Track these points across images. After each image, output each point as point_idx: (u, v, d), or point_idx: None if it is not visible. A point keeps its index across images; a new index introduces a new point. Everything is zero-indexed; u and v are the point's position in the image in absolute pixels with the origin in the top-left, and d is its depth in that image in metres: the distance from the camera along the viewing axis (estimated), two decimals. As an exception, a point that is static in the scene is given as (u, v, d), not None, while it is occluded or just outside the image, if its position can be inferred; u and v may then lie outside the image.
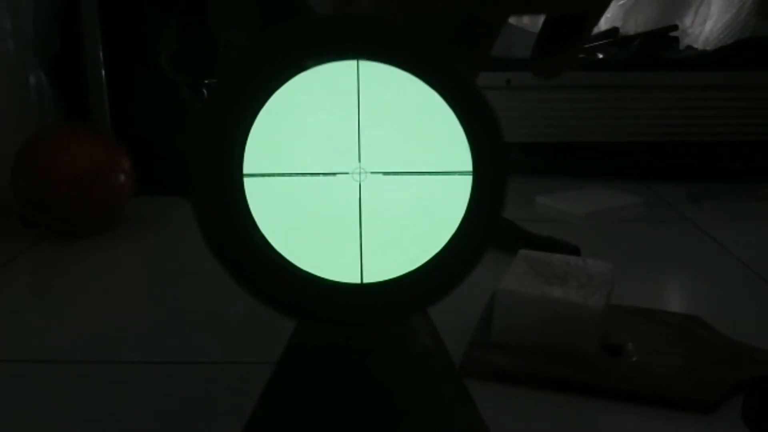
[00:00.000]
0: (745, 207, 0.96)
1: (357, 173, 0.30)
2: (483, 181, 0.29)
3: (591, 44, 1.22)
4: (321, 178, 0.30)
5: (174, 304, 0.65)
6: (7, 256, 0.74)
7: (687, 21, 1.42)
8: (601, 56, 1.20)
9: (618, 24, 1.42)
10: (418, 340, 0.36)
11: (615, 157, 1.12)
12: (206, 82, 0.99)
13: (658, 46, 1.21)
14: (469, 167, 0.29)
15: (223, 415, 0.45)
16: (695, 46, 1.34)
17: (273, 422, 0.31)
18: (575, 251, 0.71)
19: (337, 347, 0.34)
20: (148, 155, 0.89)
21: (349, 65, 0.28)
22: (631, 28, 1.43)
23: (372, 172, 0.30)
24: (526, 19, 1.32)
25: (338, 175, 0.30)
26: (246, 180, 0.29)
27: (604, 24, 1.38)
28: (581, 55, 1.13)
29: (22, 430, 0.45)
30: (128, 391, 0.49)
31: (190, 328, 0.59)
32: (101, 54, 0.96)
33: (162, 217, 0.89)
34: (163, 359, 0.53)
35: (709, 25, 1.39)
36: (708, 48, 1.33)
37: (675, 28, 1.29)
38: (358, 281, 0.30)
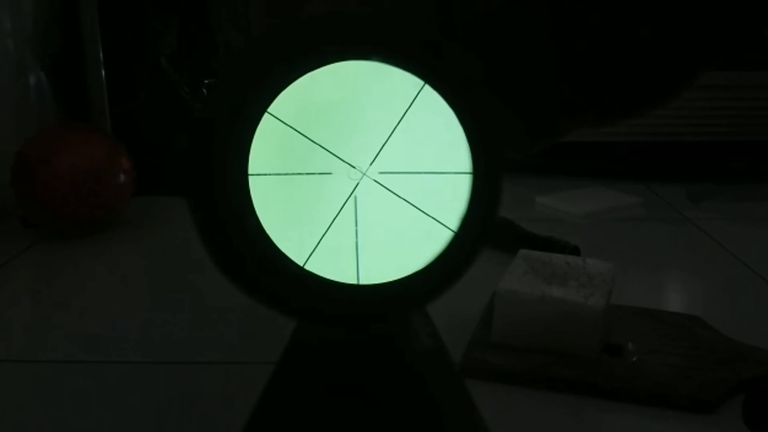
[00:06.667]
0: (745, 207, 0.96)
1: (356, 173, 0.30)
2: (481, 182, 0.29)
3: None
4: (320, 177, 0.30)
5: (174, 303, 0.65)
6: (7, 256, 0.74)
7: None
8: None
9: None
10: (418, 340, 0.36)
11: (615, 157, 1.12)
12: (206, 82, 0.99)
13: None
14: (468, 168, 0.29)
15: (224, 415, 0.45)
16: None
17: (273, 422, 0.31)
18: (575, 251, 0.71)
19: (338, 347, 0.34)
20: (148, 155, 0.89)
21: (350, 65, 0.28)
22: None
23: (371, 172, 0.30)
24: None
25: (338, 176, 0.30)
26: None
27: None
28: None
29: (22, 430, 0.45)
30: (128, 391, 0.49)
31: (189, 327, 0.59)
32: (101, 54, 0.96)
33: (162, 216, 0.89)
34: (163, 359, 0.53)
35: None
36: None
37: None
38: (356, 281, 0.30)
